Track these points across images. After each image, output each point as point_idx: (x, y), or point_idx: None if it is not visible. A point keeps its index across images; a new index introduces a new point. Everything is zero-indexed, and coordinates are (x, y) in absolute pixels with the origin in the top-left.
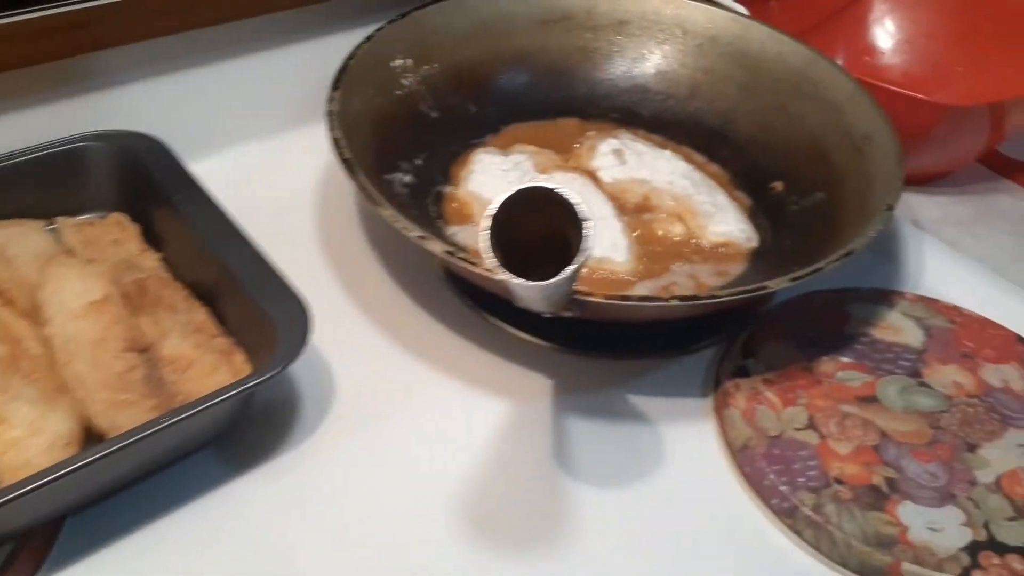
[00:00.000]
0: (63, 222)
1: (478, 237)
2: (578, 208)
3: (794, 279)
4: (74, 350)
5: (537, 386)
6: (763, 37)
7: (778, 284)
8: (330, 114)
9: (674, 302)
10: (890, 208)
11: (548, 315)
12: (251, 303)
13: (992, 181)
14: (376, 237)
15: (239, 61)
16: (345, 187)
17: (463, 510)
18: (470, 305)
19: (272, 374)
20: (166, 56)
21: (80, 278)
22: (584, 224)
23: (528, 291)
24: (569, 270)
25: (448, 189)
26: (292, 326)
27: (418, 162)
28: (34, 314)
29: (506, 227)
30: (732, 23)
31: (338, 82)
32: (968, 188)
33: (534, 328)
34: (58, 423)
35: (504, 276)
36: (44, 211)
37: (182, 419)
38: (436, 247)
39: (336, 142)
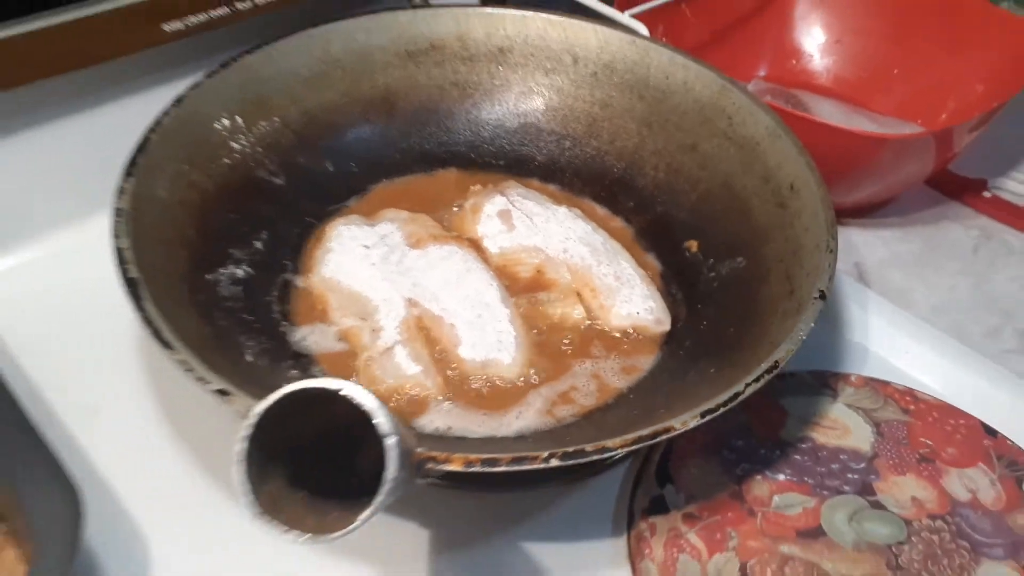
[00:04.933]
0: None
1: (232, 470)
2: (376, 420)
3: (705, 414)
4: None
5: (407, 541)
6: (665, 62)
7: (685, 424)
8: (118, 213)
9: (554, 461)
10: (822, 296)
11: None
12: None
13: (939, 205)
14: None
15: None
16: None
17: None
18: None
19: None
20: None
21: None
22: (385, 442)
23: (319, 543)
24: (364, 514)
25: (297, 279)
26: (56, 523)
27: (257, 245)
28: None
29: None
30: (629, 47)
31: (132, 166)
32: (914, 217)
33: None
34: None
35: (274, 527)
36: None
37: None
38: (239, 405)
39: (120, 254)
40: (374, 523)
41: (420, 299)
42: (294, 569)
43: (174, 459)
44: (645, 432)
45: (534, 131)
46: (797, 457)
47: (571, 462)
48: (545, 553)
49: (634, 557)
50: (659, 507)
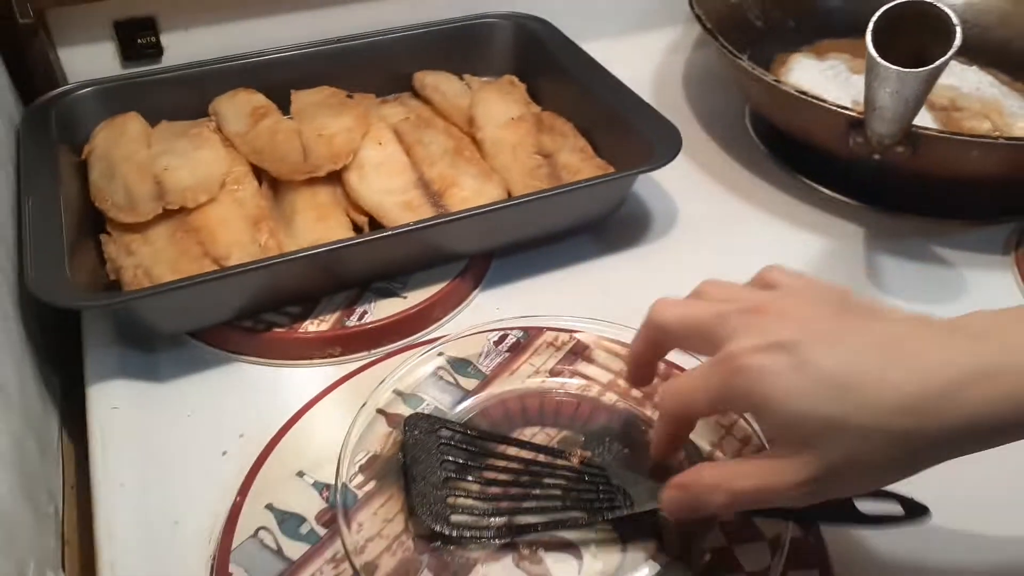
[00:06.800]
0: (469, 78)
1: (867, 30)
2: (945, 13)
3: None
4: (500, 149)
5: (848, 231)
6: None
7: None
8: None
9: (1001, 140)
10: None
11: (875, 155)
12: (630, 130)
13: None
14: (693, 100)
15: None
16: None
17: None
18: (777, 163)
19: (655, 166)
20: None
21: (503, 101)
22: (953, 28)
23: (897, 78)
24: (939, 61)
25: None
26: (666, 140)
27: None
28: (467, 125)
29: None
30: None
31: None
32: None
33: (837, 186)
34: (492, 189)
35: (880, 60)
36: (456, 68)
37: (576, 188)
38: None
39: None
40: (825, 219)
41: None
42: (768, 226)
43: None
44: None
45: None
46: None
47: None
48: (947, 254)
49: (1020, 262)
50: None
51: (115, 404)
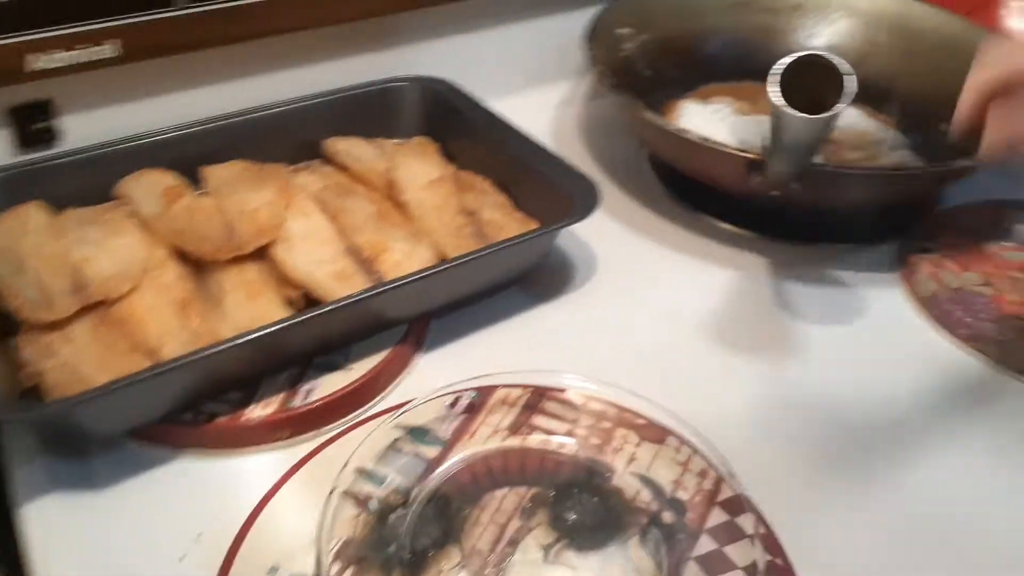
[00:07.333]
0: (379, 141)
1: (768, 80)
2: (839, 64)
3: (976, 161)
4: (425, 211)
5: (752, 262)
6: (921, 13)
7: (963, 163)
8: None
9: (884, 171)
10: None
11: (775, 192)
12: (548, 184)
13: None
14: (592, 148)
15: (496, 30)
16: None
17: (708, 329)
18: (679, 203)
19: (577, 219)
20: (452, 20)
21: (422, 163)
22: (845, 78)
23: (801, 124)
24: (837, 108)
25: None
26: (585, 193)
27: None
28: (387, 188)
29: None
30: (892, 3)
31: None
32: None
33: (737, 221)
34: (424, 252)
35: (784, 108)
36: (365, 133)
37: (510, 245)
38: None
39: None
40: (728, 252)
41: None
42: (680, 264)
43: None
44: (944, 163)
45: None
46: (1016, 235)
47: (904, 172)
48: (842, 275)
49: (907, 275)
50: (925, 251)
51: (52, 522)
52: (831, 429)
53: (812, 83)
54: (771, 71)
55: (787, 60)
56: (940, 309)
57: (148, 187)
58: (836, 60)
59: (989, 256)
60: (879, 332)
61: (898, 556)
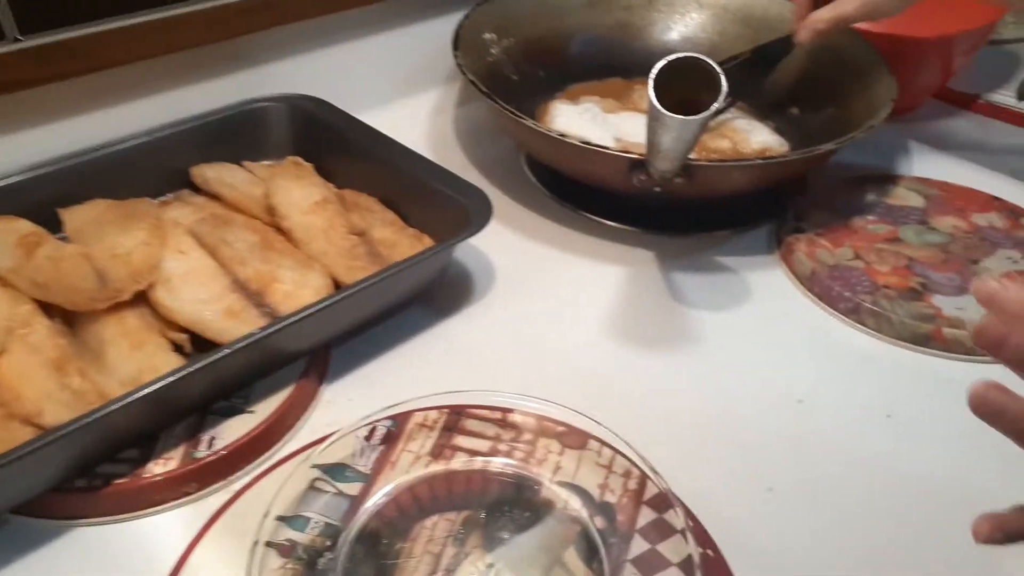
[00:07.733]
0: (250, 165)
1: (648, 85)
2: (712, 65)
3: (839, 143)
4: (312, 235)
5: (641, 256)
6: (765, 3)
7: (828, 147)
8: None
9: (758, 161)
10: (892, 100)
11: (657, 188)
12: (436, 197)
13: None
14: (468, 153)
15: (362, 42)
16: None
17: (609, 328)
18: (561, 203)
19: (473, 232)
20: (316, 35)
21: (301, 186)
22: (719, 78)
23: (679, 125)
24: (713, 107)
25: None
26: (478, 205)
27: None
28: (267, 215)
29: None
30: None
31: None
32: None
33: (619, 217)
34: (316, 278)
35: (664, 111)
36: (232, 158)
37: (409, 266)
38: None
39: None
40: (617, 249)
41: (622, 136)
42: (573, 264)
43: None
44: (810, 149)
45: (672, 52)
46: (879, 209)
47: (776, 161)
48: (725, 261)
49: (785, 256)
50: (799, 231)
51: None
52: (737, 413)
53: (682, 82)
54: (649, 76)
55: (661, 64)
56: (821, 286)
57: (1, 237)
58: (708, 60)
59: (856, 230)
60: (767, 313)
61: (825, 534)
